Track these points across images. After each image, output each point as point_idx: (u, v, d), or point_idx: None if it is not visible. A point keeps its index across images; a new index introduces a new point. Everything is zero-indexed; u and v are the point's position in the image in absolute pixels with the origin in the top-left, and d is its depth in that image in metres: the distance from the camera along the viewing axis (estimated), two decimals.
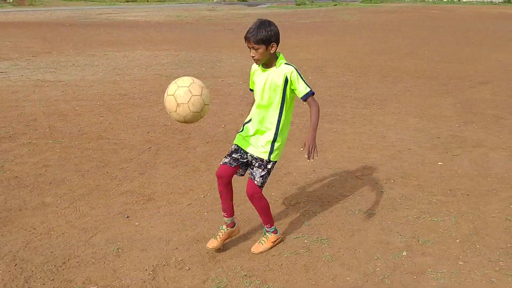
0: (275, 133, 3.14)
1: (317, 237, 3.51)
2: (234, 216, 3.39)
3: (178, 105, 2.87)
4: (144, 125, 6.44)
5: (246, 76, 10.50)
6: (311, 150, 2.99)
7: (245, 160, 3.23)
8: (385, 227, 3.67)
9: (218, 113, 7.15)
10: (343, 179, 4.62)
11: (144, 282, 2.96)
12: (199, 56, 13.31)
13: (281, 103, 3.11)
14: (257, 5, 41.16)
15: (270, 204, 4.01)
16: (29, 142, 5.63)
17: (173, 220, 3.78)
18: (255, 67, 3.21)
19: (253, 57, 3.06)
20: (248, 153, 3.19)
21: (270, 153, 3.14)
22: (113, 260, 3.20)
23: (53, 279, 2.97)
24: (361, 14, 31.22)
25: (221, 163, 3.24)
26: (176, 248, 3.35)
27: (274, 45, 3.05)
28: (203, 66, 11.50)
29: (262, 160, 3.16)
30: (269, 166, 3.18)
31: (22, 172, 4.74)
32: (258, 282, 2.96)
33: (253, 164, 3.20)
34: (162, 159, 5.18)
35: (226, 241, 3.34)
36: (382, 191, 4.32)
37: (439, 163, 5.01)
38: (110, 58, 12.58)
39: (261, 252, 3.31)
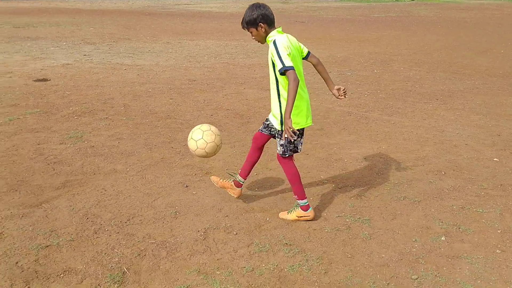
0: (279, 105, 3.34)
1: (359, 217, 3.68)
2: (244, 180, 3.80)
3: (197, 148, 3.52)
4: (208, 108, 6.85)
5: (310, 68, 10.64)
6: (288, 131, 3.07)
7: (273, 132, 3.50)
8: (428, 214, 3.76)
9: None
10: (393, 168, 4.72)
11: (196, 240, 3.30)
12: (265, 46, 13.61)
13: (275, 77, 3.30)
14: None
15: (318, 186, 4.25)
16: (106, 118, 6.21)
17: (226, 192, 4.10)
18: None
19: (253, 39, 3.37)
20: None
21: (281, 123, 3.35)
22: (171, 221, 3.58)
23: (118, 232, 3.39)
24: (439, 10, 30.02)
25: (258, 130, 3.65)
26: (227, 216, 3.67)
27: (262, 25, 3.27)
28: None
29: (277, 130, 3.42)
30: (286, 135, 3.26)
31: (98, 142, 5.29)
32: (297, 250, 3.21)
33: (275, 136, 3.50)
34: (223, 139, 5.52)
35: (221, 188, 3.92)
36: (431, 182, 4.38)
37: (495, 159, 4.95)
38: (183, 46, 13.22)
39: (283, 219, 3.60)
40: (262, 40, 3.36)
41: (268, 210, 3.78)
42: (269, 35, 3.32)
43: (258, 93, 7.88)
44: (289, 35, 3.40)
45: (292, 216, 3.60)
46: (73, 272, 2.90)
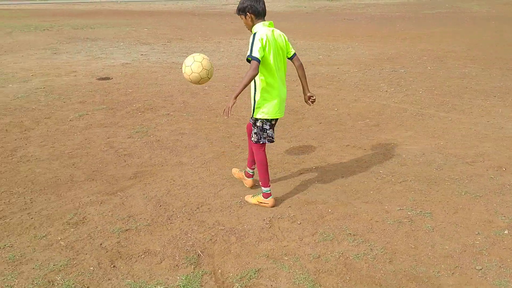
0: (254, 94, 3.61)
1: (421, 211, 3.75)
2: (253, 170, 4.07)
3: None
4: None
5: (362, 65, 10.68)
6: (226, 109, 3.38)
7: None
8: (490, 208, 3.77)
9: (332, 97, 7.49)
10: (452, 163, 4.73)
11: (262, 228, 3.48)
12: (316, 44, 13.67)
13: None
14: None
15: (378, 180, 4.34)
16: (167, 114, 6.52)
17: (287, 184, 4.26)
18: None
19: (245, 26, 3.64)
20: None
21: (253, 110, 3.65)
22: (237, 210, 3.78)
23: (189, 219, 3.62)
24: (491, 5, 28.95)
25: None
26: (290, 206, 3.83)
27: (249, 15, 3.51)
28: (320, 54, 11.85)
29: (252, 117, 3.71)
30: (257, 124, 3.68)
31: (162, 137, 5.58)
32: (361, 240, 3.32)
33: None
34: (278, 134, 5.69)
35: (239, 179, 4.23)
36: (492, 177, 4.37)
37: None
38: (234, 45, 13.49)
39: (246, 202, 3.88)
40: (249, 28, 3.60)
41: (329, 202, 3.90)
42: (255, 26, 3.54)
43: (311, 90, 7.95)
44: (277, 31, 3.61)
45: (254, 200, 3.87)
46: (152, 253, 3.15)
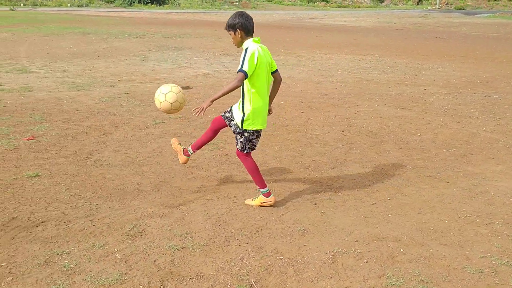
0: (243, 106, 3.80)
1: (507, 261, 3.26)
2: (193, 153, 4.28)
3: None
4: (339, 124, 6.72)
5: (452, 87, 9.96)
6: (200, 109, 3.63)
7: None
8: None
9: (415, 120, 6.99)
10: None
11: (323, 263, 3.20)
12: (403, 62, 13.05)
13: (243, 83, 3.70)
14: (476, 13, 37.86)
15: (460, 219, 3.89)
16: None
17: (356, 215, 3.94)
18: None
19: (231, 41, 3.84)
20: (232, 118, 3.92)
21: (242, 122, 3.81)
22: (299, 238, 3.53)
23: (247, 243, 3.44)
24: None
25: (219, 115, 4.13)
26: (357, 241, 3.51)
27: (239, 32, 3.70)
28: (406, 73, 11.26)
29: (237, 126, 3.87)
30: (245, 134, 3.88)
31: (232, 151, 5.47)
32: None
33: (234, 131, 3.97)
34: (353, 158, 5.37)
35: (174, 150, 4.41)
36: None
37: None
38: (316, 60, 13.26)
39: (249, 205, 3.99)
40: (238, 44, 3.81)
41: (402, 241, 3.53)
42: (245, 42, 3.75)
43: (393, 111, 7.54)
44: (263, 46, 3.81)
45: (256, 202, 3.99)
46: (204, 278, 3.00)
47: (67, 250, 3.25)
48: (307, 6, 57.69)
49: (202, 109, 3.64)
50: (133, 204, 4.03)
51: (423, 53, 15.19)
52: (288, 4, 60.23)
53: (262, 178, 4.00)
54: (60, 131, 5.96)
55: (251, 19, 3.79)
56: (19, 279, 2.91)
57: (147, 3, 48.46)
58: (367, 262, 3.23)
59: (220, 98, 3.71)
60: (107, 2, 48.10)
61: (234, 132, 4.00)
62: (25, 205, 3.91)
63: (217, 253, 3.28)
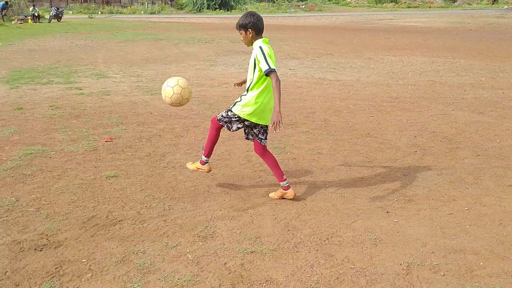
0: (245, 95, 3.97)
1: None
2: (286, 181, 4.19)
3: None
4: (411, 129, 6.48)
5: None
6: (276, 124, 3.67)
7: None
8: None
9: (494, 126, 6.59)
10: None
11: (397, 275, 3.09)
12: (479, 64, 12.39)
13: (253, 77, 3.90)
14: None
15: None
16: (307, 131, 6.39)
17: (432, 225, 3.77)
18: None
19: (241, 40, 4.01)
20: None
21: (234, 104, 4.02)
22: (370, 247, 3.43)
23: (317, 250, 3.39)
24: None
25: None
26: (433, 252, 3.35)
27: (250, 31, 3.87)
28: (483, 76, 10.68)
29: (259, 125, 4.07)
30: (229, 114, 4.06)
31: (299, 155, 5.45)
32: None
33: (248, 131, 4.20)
34: (427, 165, 5.15)
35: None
36: None
37: None
38: (385, 62, 12.92)
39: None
40: (249, 43, 3.98)
41: (481, 253, 3.33)
42: (256, 41, 3.91)
43: (470, 116, 7.15)
44: (270, 47, 3.92)
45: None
46: (274, 283, 2.99)
47: (142, 249, 3.37)
48: (375, 7, 56.37)
49: (279, 123, 3.69)
50: (204, 206, 4.11)
51: (500, 55, 14.34)
52: (355, 6, 59.18)
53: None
54: (135, 134, 6.22)
55: (262, 19, 3.95)
56: (98, 275, 3.06)
57: (215, 8, 49.57)
58: (444, 275, 3.07)
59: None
60: (178, 8, 49.73)
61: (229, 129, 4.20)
62: (104, 204, 4.11)
63: (286, 259, 3.26)
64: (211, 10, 48.88)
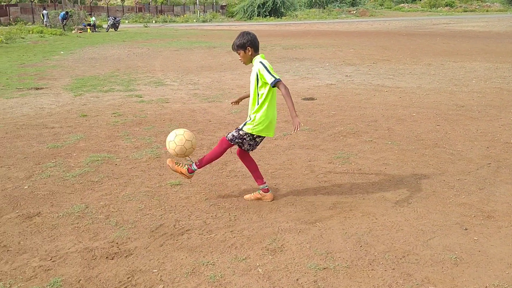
0: (254, 114, 4.06)
1: None
2: (265, 183, 4.32)
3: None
4: (482, 140, 6.13)
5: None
6: (297, 126, 3.81)
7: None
8: None
9: None
10: None
11: None
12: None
13: (257, 93, 4.01)
14: None
15: None
16: (370, 140, 6.18)
17: None
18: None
19: (239, 60, 4.12)
20: None
21: (244, 124, 4.11)
22: (451, 267, 3.21)
23: (393, 269, 3.21)
24: None
25: None
26: None
27: (249, 49, 4.01)
28: None
29: (240, 129, 4.12)
30: (241, 133, 4.12)
31: (364, 165, 5.26)
32: None
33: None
34: (503, 178, 4.82)
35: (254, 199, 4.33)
36: None
37: None
38: (446, 68, 12.42)
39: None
40: (248, 61, 4.10)
41: None
42: (256, 57, 4.04)
43: None
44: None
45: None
46: None
47: (211, 261, 3.31)
48: (430, 11, 54.81)
49: (299, 124, 3.84)
50: (270, 217, 4.02)
51: None
52: (408, 10, 57.79)
53: (208, 163, 4.30)
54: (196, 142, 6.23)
55: (256, 36, 4.11)
56: (169, 287, 3.03)
57: (265, 16, 49.84)
58: None
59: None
60: (229, 16, 50.36)
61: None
62: (170, 213, 4.11)
63: (362, 277, 3.11)
64: (261, 17, 49.17)
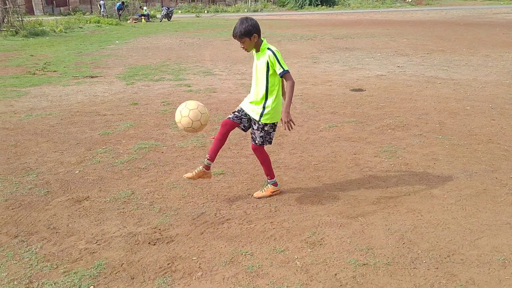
0: (264, 104, 3.90)
1: None
2: (212, 163, 4.07)
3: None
4: None
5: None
6: (287, 123, 3.77)
7: (246, 118, 4.04)
8: None
9: None
10: None
11: None
12: None
13: (266, 81, 3.85)
14: None
15: None
16: (420, 134, 5.97)
17: None
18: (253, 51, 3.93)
19: (242, 47, 3.87)
20: (247, 115, 4.00)
21: (261, 116, 3.92)
22: (499, 269, 3.06)
23: (437, 268, 3.10)
24: None
25: (226, 118, 4.08)
26: None
27: (255, 36, 3.79)
28: None
29: (258, 122, 3.96)
30: (266, 128, 4.00)
31: (412, 160, 5.09)
32: None
33: (253, 127, 4.05)
34: None
35: (199, 179, 4.09)
36: None
37: None
38: (505, 60, 11.79)
39: (260, 198, 4.19)
40: (250, 48, 3.88)
41: None
42: (263, 44, 3.86)
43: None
44: None
45: (267, 193, 4.22)
46: None
47: (250, 251, 3.33)
48: (490, 0, 52.15)
49: (289, 122, 3.79)
50: (311, 210, 3.99)
51: None
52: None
53: (272, 168, 4.25)
54: (240, 131, 6.25)
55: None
56: (207, 275, 3.07)
57: (317, 5, 49.14)
58: None
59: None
60: (280, 5, 50.06)
61: (249, 128, 4.10)
62: (212, 202, 4.16)
63: (403, 275, 3.02)
64: (313, 6, 48.51)
